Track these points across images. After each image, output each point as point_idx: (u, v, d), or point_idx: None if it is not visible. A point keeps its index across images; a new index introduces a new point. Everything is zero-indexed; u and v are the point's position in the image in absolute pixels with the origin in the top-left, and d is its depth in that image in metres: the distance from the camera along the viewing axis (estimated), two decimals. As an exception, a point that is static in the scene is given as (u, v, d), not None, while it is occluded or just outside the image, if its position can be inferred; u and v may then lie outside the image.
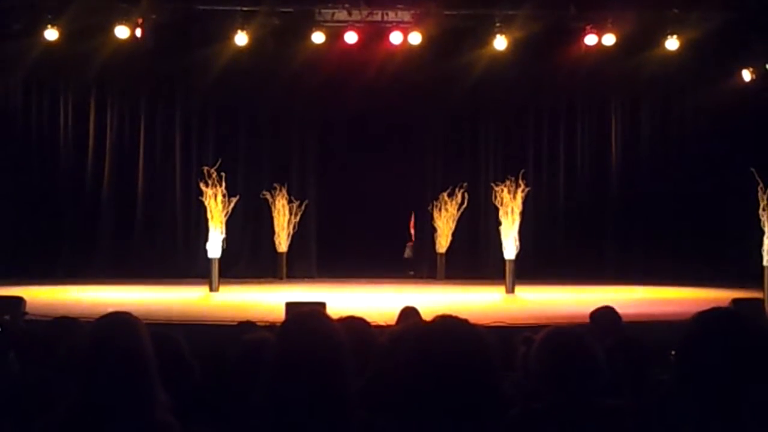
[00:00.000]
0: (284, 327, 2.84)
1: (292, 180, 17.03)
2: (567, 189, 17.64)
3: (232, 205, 14.73)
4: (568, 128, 17.77)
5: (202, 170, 14.89)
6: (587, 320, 6.44)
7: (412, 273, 17.21)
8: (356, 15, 15.06)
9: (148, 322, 3.10)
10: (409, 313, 6.07)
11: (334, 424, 2.62)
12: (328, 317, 2.87)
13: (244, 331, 5.33)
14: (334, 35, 15.27)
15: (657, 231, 17.10)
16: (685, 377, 2.72)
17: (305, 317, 2.83)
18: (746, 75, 16.10)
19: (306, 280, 16.48)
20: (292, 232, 16.77)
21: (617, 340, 5.77)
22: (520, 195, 14.62)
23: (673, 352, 2.81)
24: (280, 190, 16.65)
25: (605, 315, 6.19)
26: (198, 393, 3.92)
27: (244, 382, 3.89)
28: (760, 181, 14.58)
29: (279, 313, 9.18)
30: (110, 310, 3.07)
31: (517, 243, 14.42)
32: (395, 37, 15.16)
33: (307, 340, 2.70)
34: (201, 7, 14.98)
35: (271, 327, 6.03)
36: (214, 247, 14.34)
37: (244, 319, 6.46)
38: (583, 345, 3.34)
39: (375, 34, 15.35)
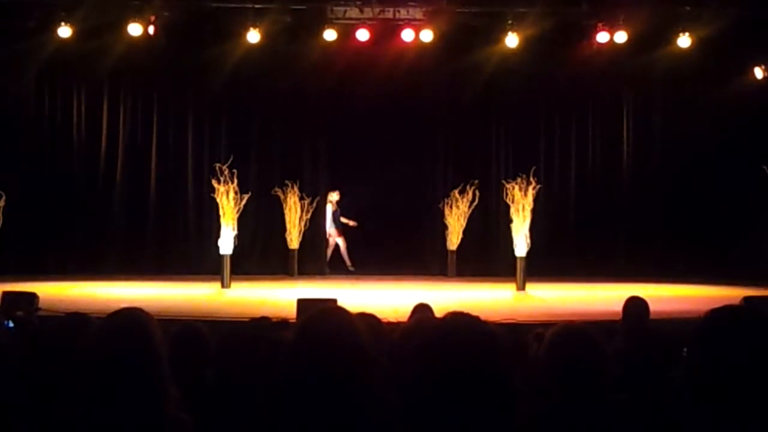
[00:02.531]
0: (302, 323, 2.83)
1: (304, 177, 17.04)
2: (578, 186, 17.60)
3: (243, 201, 14.76)
4: (579, 125, 17.71)
5: (214, 167, 14.93)
6: (599, 317, 6.46)
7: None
8: (368, 12, 15.10)
9: (160, 318, 3.11)
10: (422, 310, 6.06)
11: (353, 420, 2.62)
12: (346, 312, 2.86)
13: (258, 328, 5.34)
14: (346, 33, 15.31)
15: (668, 228, 17.05)
16: (697, 374, 2.72)
17: (324, 312, 2.83)
18: (758, 72, 16.05)
19: (317, 276, 16.50)
20: (303, 229, 16.79)
21: (641, 332, 5.80)
22: (531, 192, 14.59)
23: (685, 350, 2.81)
24: (292, 187, 16.66)
25: (636, 305, 6.23)
26: (211, 389, 3.94)
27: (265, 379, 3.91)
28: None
29: (291, 310, 9.21)
30: (122, 306, 3.09)
31: (528, 240, 14.40)
32: (407, 35, 15.18)
33: (326, 336, 2.70)
34: (213, 5, 15.04)
35: (284, 323, 6.04)
36: (225, 244, 14.37)
37: (256, 316, 6.47)
38: (591, 343, 3.35)
39: (387, 31, 15.37)
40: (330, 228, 17.12)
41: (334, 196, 17.10)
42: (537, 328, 6.04)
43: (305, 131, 17.41)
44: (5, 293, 9.75)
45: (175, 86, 17.11)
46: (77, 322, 4.53)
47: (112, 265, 16.35)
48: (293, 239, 16.73)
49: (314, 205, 16.81)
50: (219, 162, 15.02)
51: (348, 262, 17.15)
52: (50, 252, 16.51)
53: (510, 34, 15.08)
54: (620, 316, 6.55)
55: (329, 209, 17.09)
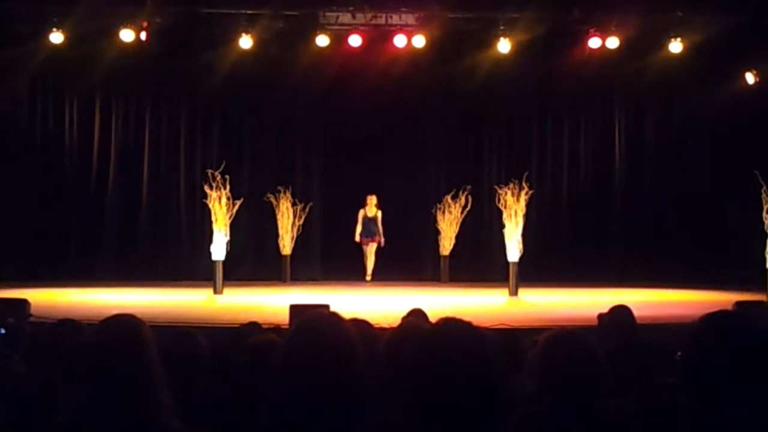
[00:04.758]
0: (296, 325, 2.83)
1: (296, 182, 17.06)
2: (570, 191, 17.63)
3: (236, 207, 14.74)
4: (571, 131, 17.77)
5: (207, 173, 14.91)
6: (591, 322, 6.44)
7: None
8: (360, 18, 15.11)
9: (152, 324, 3.10)
10: (415, 316, 6.04)
11: (346, 424, 2.62)
12: (340, 316, 2.86)
13: (248, 333, 5.33)
14: (339, 38, 15.33)
15: (660, 233, 17.09)
16: (690, 379, 2.72)
17: (318, 316, 2.83)
18: (750, 78, 16.11)
19: (310, 282, 16.49)
20: (296, 234, 16.78)
21: (627, 340, 5.78)
22: (523, 197, 14.61)
23: (679, 354, 2.82)
24: (284, 193, 16.67)
25: (619, 315, 6.19)
26: (203, 396, 3.93)
27: (252, 384, 3.90)
28: (763, 183, 14.60)
29: (283, 316, 9.20)
30: (114, 312, 3.08)
31: (521, 245, 14.41)
32: (399, 41, 15.21)
33: (320, 338, 2.70)
34: (205, 11, 15.05)
35: (276, 329, 6.03)
36: (218, 250, 14.35)
37: (249, 321, 6.46)
38: (585, 347, 3.35)
39: (379, 37, 15.40)
40: (360, 235, 16.47)
41: (369, 203, 16.48)
42: (530, 333, 6.04)
43: (297, 137, 17.44)
44: (-4, 300, 9.73)
45: (167, 92, 17.12)
46: (68, 329, 4.52)
47: (104, 271, 16.31)
48: (286, 245, 16.73)
49: (306, 210, 16.81)
50: (211, 168, 15.00)
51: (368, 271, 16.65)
52: (42, 258, 16.46)
53: (502, 39, 15.12)
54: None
55: (360, 215, 16.49)
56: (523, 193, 14.63)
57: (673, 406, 2.81)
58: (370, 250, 16.59)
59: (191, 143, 17.30)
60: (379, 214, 16.45)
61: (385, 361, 3.97)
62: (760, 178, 14.73)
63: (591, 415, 3.21)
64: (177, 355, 3.87)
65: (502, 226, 14.68)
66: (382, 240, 16.45)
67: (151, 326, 3.02)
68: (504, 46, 15.17)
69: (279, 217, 16.71)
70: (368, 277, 16.51)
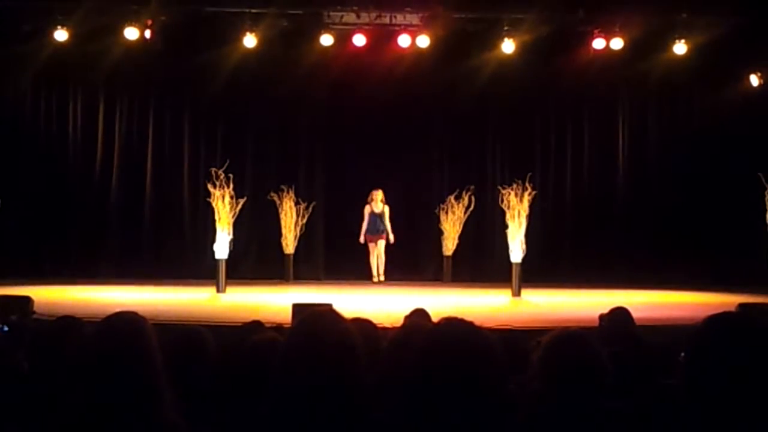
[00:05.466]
0: (296, 325, 2.83)
1: (300, 182, 17.06)
2: (574, 192, 17.62)
3: (239, 206, 14.76)
4: (575, 132, 17.74)
5: (210, 171, 14.93)
6: (594, 323, 6.44)
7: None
8: (365, 18, 15.11)
9: (155, 322, 3.11)
10: (418, 316, 6.04)
11: (345, 423, 2.62)
12: (340, 315, 2.86)
13: (251, 332, 5.33)
14: (343, 38, 15.33)
15: (664, 235, 17.06)
16: (693, 381, 2.72)
17: (317, 315, 2.83)
18: (754, 80, 16.10)
19: (313, 281, 16.48)
20: (299, 233, 16.78)
21: (626, 343, 5.78)
22: (526, 198, 14.61)
23: (683, 354, 2.82)
24: (288, 192, 16.67)
25: (618, 316, 6.18)
26: (205, 393, 3.93)
27: (252, 382, 3.91)
28: (766, 185, 14.59)
29: (286, 315, 9.20)
30: (117, 310, 3.08)
31: (524, 246, 14.40)
32: (403, 40, 15.21)
33: (319, 337, 2.70)
34: (210, 9, 15.06)
35: (278, 328, 6.04)
36: (221, 249, 14.35)
37: (251, 320, 6.46)
38: (589, 348, 3.35)
39: (383, 36, 15.40)
40: (365, 234, 16.18)
41: (375, 198, 16.16)
42: (532, 334, 6.03)
43: (301, 136, 17.44)
44: (-1, 297, 9.73)
45: (171, 90, 17.11)
46: (68, 325, 4.52)
47: (107, 269, 16.34)
48: (289, 244, 16.73)
49: (310, 209, 16.81)
50: (215, 166, 15.02)
51: (375, 272, 16.25)
52: (46, 256, 16.48)
53: (506, 40, 15.11)
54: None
55: (366, 211, 16.20)
56: (526, 193, 14.63)
57: (675, 408, 2.80)
58: (379, 249, 16.38)
59: (195, 141, 17.30)
60: (387, 209, 16.27)
61: (387, 360, 3.97)
62: (763, 180, 14.74)
63: (594, 416, 3.20)
64: (180, 352, 3.88)
65: (505, 226, 14.67)
66: (391, 237, 16.19)
67: (154, 324, 3.03)
68: (508, 46, 15.17)
69: (282, 215, 16.71)
70: (379, 278, 16.20)
